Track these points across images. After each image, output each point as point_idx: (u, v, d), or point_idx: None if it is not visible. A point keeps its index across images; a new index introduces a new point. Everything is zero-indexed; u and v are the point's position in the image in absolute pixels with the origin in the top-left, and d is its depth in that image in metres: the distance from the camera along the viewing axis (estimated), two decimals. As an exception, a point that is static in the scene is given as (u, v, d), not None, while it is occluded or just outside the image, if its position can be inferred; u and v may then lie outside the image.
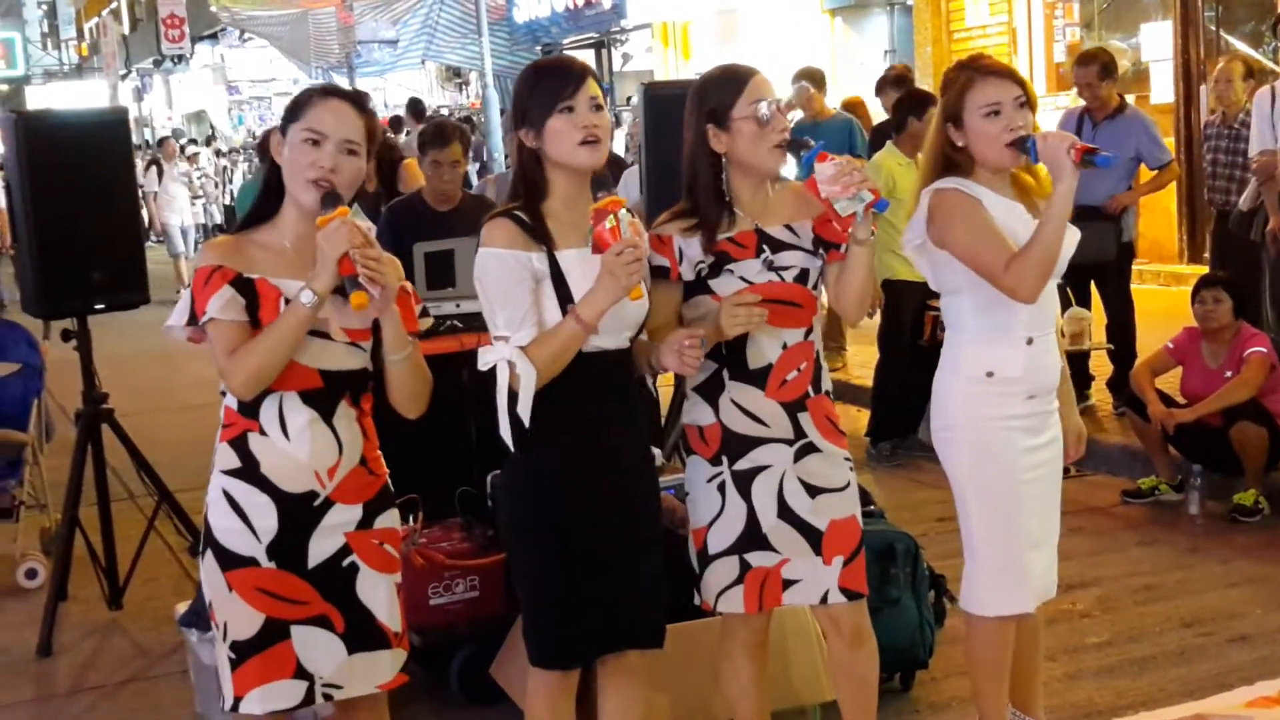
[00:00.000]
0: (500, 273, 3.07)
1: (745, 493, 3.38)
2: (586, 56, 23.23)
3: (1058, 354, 3.62)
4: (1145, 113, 7.79)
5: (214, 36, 34.98)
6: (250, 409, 2.98)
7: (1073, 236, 3.52)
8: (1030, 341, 3.51)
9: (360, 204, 9.33)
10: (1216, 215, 8.24)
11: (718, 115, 3.34)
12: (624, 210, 3.00)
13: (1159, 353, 6.61)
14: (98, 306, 5.37)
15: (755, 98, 3.31)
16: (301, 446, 2.97)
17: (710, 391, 3.40)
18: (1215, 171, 8.02)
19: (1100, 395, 7.67)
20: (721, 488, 3.39)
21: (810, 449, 3.40)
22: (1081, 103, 7.65)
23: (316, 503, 3.00)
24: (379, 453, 3.14)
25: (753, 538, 3.38)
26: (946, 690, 4.48)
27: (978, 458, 3.54)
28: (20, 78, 45.80)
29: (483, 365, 3.09)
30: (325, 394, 2.99)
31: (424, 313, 3.16)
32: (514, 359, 3.03)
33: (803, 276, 3.38)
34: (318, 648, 3.01)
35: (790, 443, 3.38)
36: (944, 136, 3.52)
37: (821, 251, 3.39)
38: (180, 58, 35.80)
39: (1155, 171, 7.52)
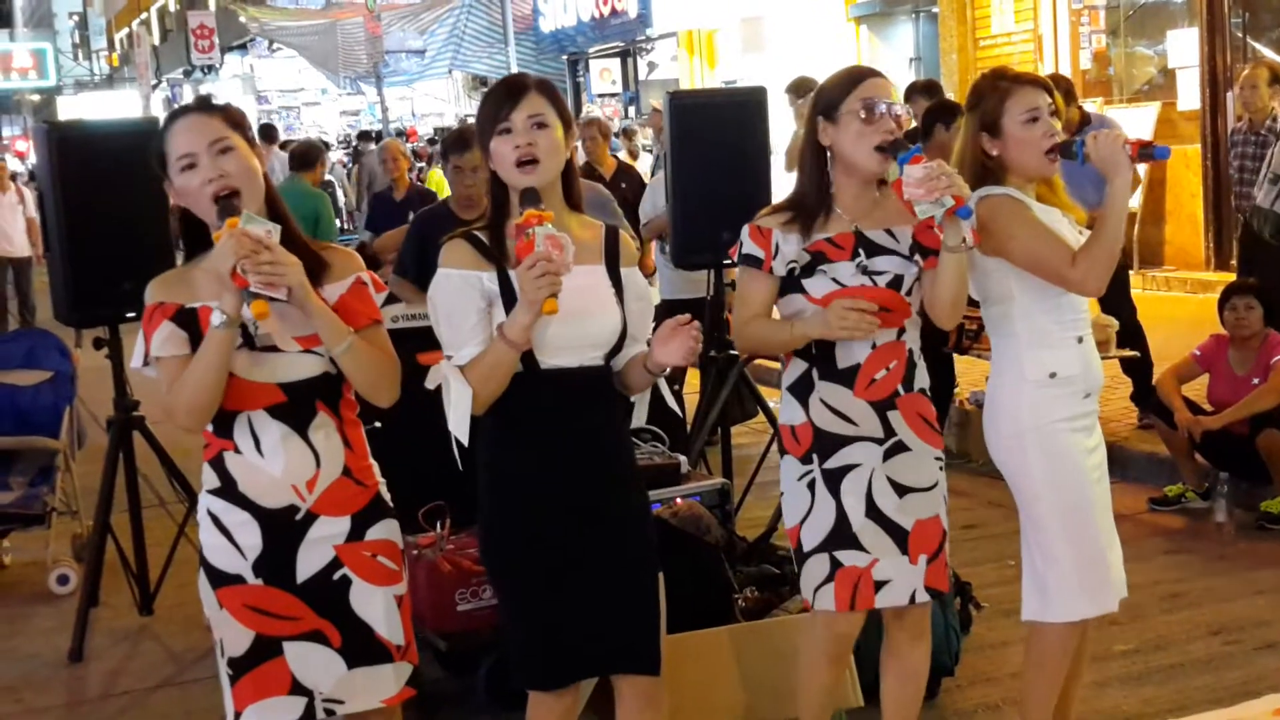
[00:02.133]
0: (448, 292, 3.02)
1: (835, 491, 3.40)
2: (612, 65, 23.30)
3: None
4: (1110, 119, 7.65)
5: (243, 47, 35.24)
6: (224, 429, 2.95)
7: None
8: (1081, 340, 3.57)
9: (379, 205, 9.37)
10: (1243, 222, 8.22)
11: (829, 108, 3.37)
12: (546, 225, 2.90)
13: (1185, 360, 6.59)
14: (129, 315, 5.41)
15: (867, 95, 3.33)
16: (275, 461, 2.93)
17: (801, 391, 3.43)
18: (1242, 178, 8.00)
19: (1124, 404, 7.66)
20: (811, 486, 3.42)
21: (900, 448, 3.42)
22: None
23: (298, 517, 2.95)
24: (369, 463, 3.08)
25: (842, 535, 3.40)
26: (972, 697, 4.49)
27: (1052, 460, 3.55)
28: (52, 88, 46.16)
29: (429, 384, 3.03)
30: (293, 406, 2.93)
31: (390, 299, 3.09)
32: (450, 377, 2.99)
33: (896, 282, 3.38)
34: (314, 663, 2.98)
35: (880, 441, 3.40)
36: (978, 146, 3.56)
37: (918, 258, 3.39)
38: (210, 68, 36.03)
39: None
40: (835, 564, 3.41)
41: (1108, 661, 4.74)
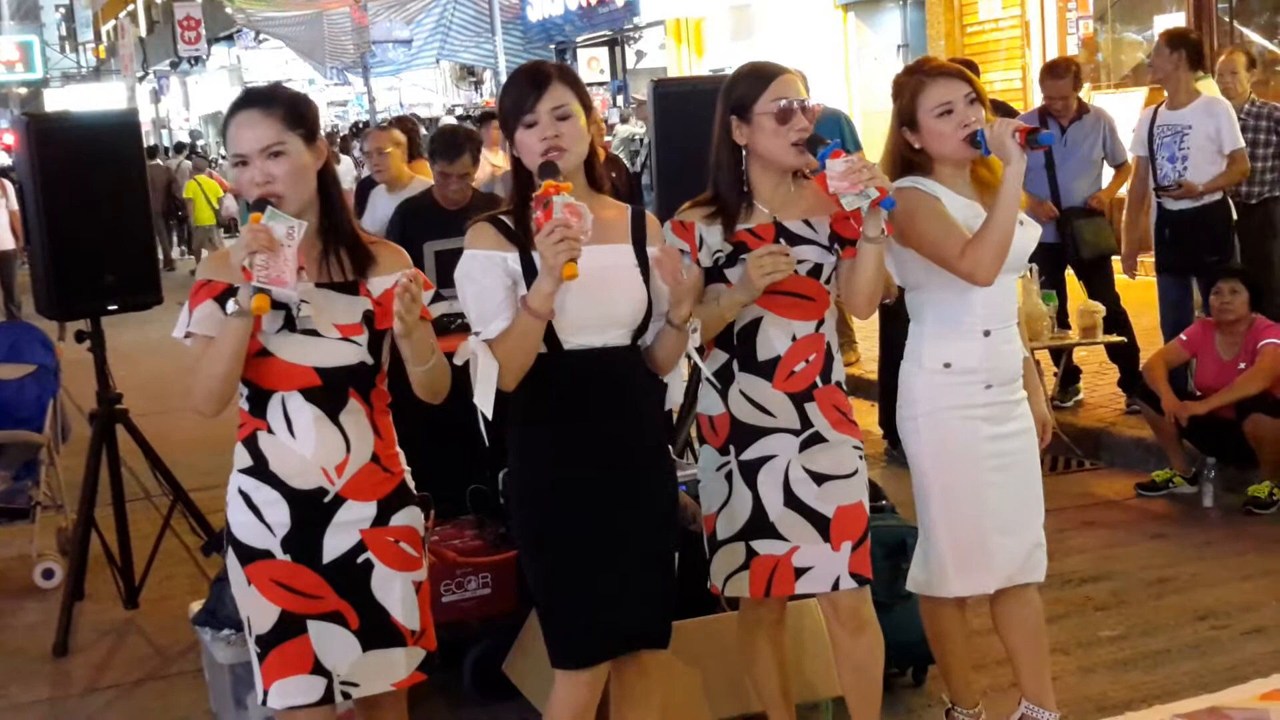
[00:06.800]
0: (474, 271, 3.09)
1: (751, 482, 3.44)
2: (600, 54, 23.26)
3: (1019, 345, 3.71)
4: (1105, 111, 7.83)
5: (230, 38, 35.08)
6: (258, 409, 3.02)
7: (1032, 232, 3.65)
8: (987, 334, 3.60)
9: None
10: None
11: (742, 108, 3.42)
12: (564, 194, 2.94)
13: (1172, 345, 6.60)
14: (111, 307, 5.40)
15: (778, 94, 3.39)
16: (307, 443, 2.99)
17: (720, 382, 3.47)
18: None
19: (1112, 390, 7.66)
20: (729, 477, 3.47)
21: (817, 439, 3.45)
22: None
23: (326, 499, 3.02)
24: (396, 451, 3.15)
25: (759, 526, 3.44)
26: (959, 684, 4.47)
27: (939, 445, 3.64)
28: (38, 80, 45.92)
29: (458, 360, 3.09)
30: (326, 391, 3.00)
31: (437, 298, 3.13)
32: (477, 351, 3.04)
33: (816, 271, 3.44)
34: (333, 644, 3.03)
35: (796, 433, 3.44)
36: (901, 140, 3.62)
37: (836, 248, 3.44)
38: (197, 59, 35.91)
39: (1115, 169, 7.65)
40: (751, 553, 3.47)
41: (1094, 647, 4.74)
